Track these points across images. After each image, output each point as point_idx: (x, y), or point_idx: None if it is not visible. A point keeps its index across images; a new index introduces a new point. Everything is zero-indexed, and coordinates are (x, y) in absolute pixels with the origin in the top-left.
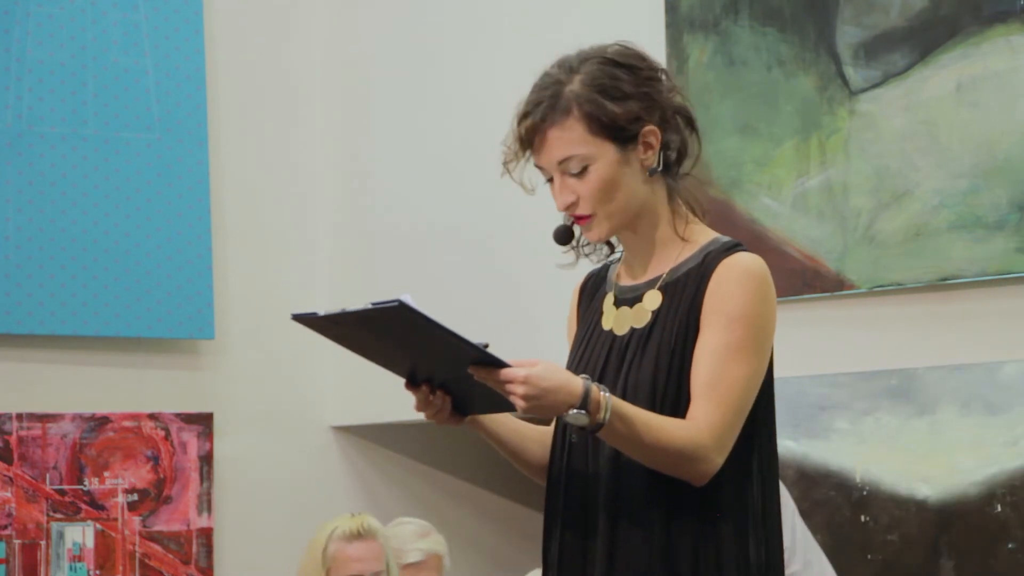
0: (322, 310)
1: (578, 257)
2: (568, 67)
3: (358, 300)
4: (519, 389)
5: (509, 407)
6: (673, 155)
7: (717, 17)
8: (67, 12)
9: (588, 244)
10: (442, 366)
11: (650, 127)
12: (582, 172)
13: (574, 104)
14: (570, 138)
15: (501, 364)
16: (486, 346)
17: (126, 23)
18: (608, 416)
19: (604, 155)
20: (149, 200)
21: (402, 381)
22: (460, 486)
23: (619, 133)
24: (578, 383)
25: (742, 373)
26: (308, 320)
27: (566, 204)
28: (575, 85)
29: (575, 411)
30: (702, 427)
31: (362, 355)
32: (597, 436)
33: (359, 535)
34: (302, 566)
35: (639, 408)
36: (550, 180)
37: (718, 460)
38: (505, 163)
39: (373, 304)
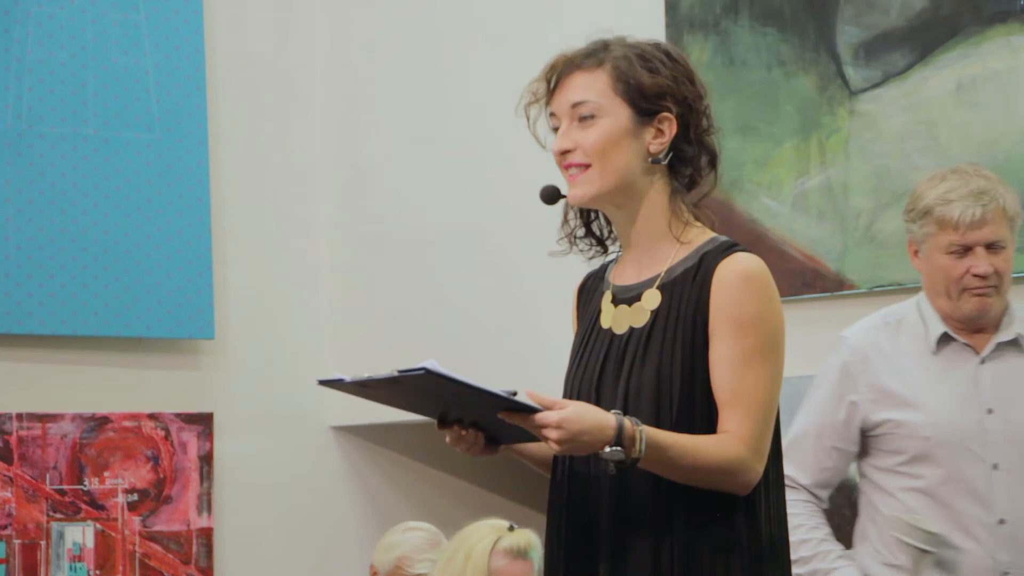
0: (348, 376)
1: (571, 246)
2: (621, 38)
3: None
4: (553, 434)
5: (539, 438)
6: (685, 176)
7: (717, 17)
8: (67, 12)
9: (583, 237)
10: (472, 413)
11: (668, 115)
12: (589, 119)
13: (609, 59)
14: (593, 85)
15: (532, 410)
16: (514, 394)
17: (126, 23)
18: (644, 449)
19: (617, 114)
20: (149, 200)
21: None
22: (460, 486)
23: (639, 101)
24: (611, 421)
25: (763, 377)
26: (334, 384)
27: (562, 148)
28: (618, 49)
29: (611, 448)
30: (736, 439)
31: (392, 406)
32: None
33: (525, 555)
34: (450, 568)
35: (671, 434)
36: (555, 130)
37: (759, 468)
38: (526, 105)
39: (399, 372)
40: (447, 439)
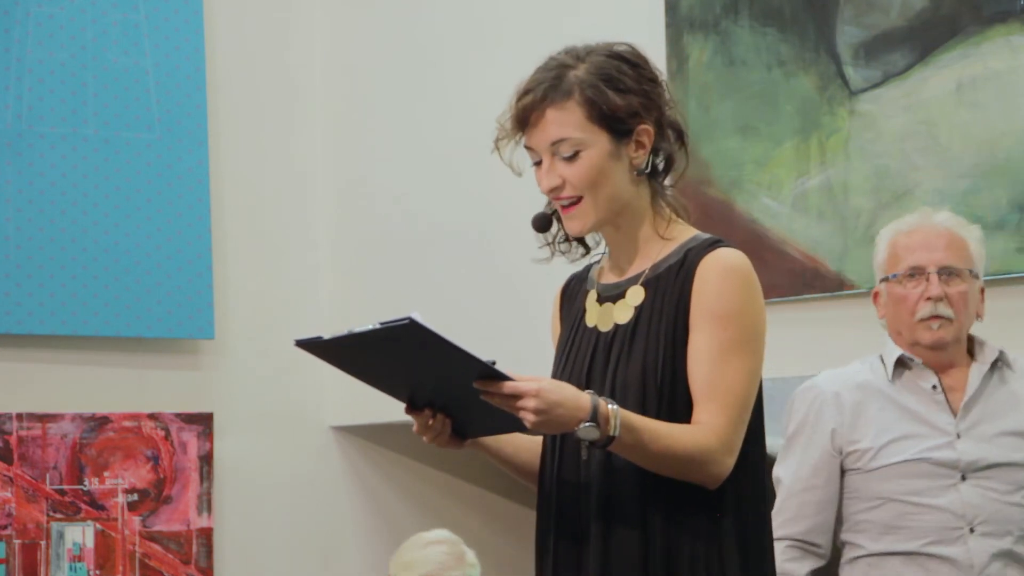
0: (327, 334)
1: (553, 254)
2: (575, 55)
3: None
4: (530, 403)
5: (510, 428)
6: (661, 164)
7: (717, 17)
8: (67, 12)
9: (564, 242)
10: (447, 384)
11: (645, 126)
12: (573, 157)
13: (576, 88)
14: (567, 120)
15: (509, 378)
16: (494, 363)
17: (126, 23)
18: (618, 429)
19: (597, 143)
20: (149, 200)
21: None
22: (460, 486)
23: (616, 125)
24: (586, 398)
25: (740, 371)
26: (311, 345)
27: (551, 187)
28: (580, 71)
29: (586, 425)
30: (708, 431)
31: (361, 379)
32: (607, 450)
33: None
34: None
35: (645, 417)
36: (537, 164)
37: (728, 461)
38: (496, 141)
39: (382, 323)
40: (414, 427)
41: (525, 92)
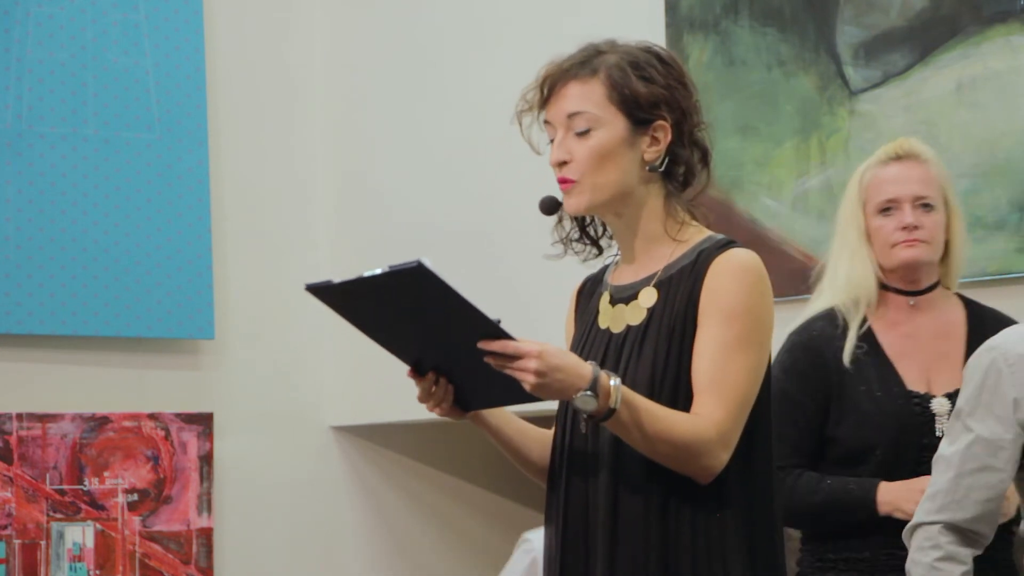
0: (337, 278)
1: (566, 250)
2: (611, 43)
3: None
4: (531, 364)
5: (512, 400)
6: (680, 176)
7: (717, 17)
8: (67, 12)
9: (577, 241)
10: (451, 344)
11: (663, 123)
12: (585, 133)
13: (603, 68)
14: (588, 95)
15: (513, 340)
16: (499, 321)
17: (126, 23)
18: (619, 403)
19: (613, 125)
20: (149, 200)
21: (402, 382)
22: (460, 486)
23: (635, 111)
24: (587, 367)
25: (743, 368)
26: (321, 290)
27: (558, 160)
28: (611, 56)
29: (584, 394)
30: (708, 422)
31: (369, 334)
32: (603, 424)
33: (900, 156)
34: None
35: (646, 399)
36: (551, 142)
37: (724, 456)
38: (518, 113)
39: (391, 267)
40: (418, 394)
41: (553, 65)
